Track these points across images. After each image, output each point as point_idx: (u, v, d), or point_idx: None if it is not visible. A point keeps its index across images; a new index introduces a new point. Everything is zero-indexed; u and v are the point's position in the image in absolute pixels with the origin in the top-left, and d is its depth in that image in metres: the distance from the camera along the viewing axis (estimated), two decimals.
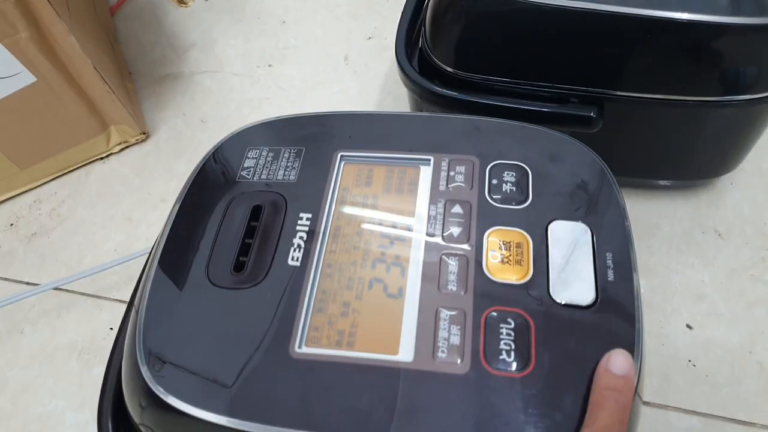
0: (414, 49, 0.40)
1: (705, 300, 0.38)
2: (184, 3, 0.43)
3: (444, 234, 0.25)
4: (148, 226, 0.46)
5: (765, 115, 0.36)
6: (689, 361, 0.36)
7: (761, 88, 0.34)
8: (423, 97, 0.38)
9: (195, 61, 0.55)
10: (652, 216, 0.41)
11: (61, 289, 0.43)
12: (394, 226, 0.26)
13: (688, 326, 0.37)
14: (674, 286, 0.39)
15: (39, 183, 0.49)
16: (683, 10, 0.31)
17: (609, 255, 0.24)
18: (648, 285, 0.39)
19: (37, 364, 0.40)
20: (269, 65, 0.54)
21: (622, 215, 0.26)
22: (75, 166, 0.49)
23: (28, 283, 0.44)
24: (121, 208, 0.47)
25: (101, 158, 0.50)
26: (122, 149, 0.50)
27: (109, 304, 0.43)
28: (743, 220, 0.41)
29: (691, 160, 0.39)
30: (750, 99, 0.34)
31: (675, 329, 0.37)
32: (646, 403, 0.35)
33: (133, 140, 0.50)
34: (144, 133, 0.50)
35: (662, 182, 0.42)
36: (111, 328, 0.41)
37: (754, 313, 0.37)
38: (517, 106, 0.36)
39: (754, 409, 0.34)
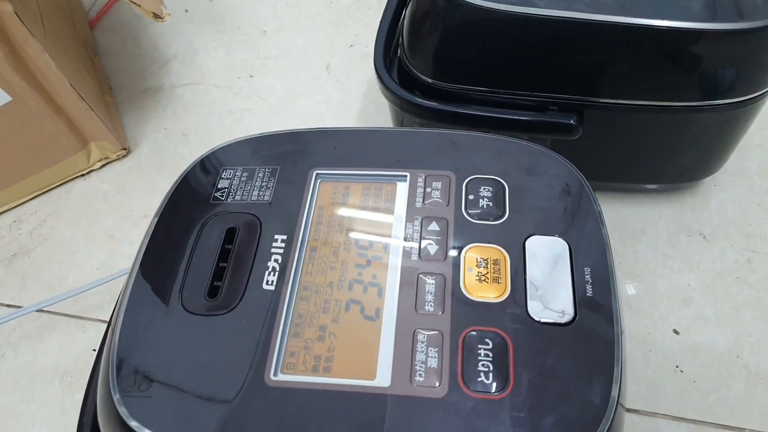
0: (393, 59, 0.40)
1: (691, 304, 0.38)
2: (160, 17, 0.43)
3: (421, 252, 0.25)
4: (131, 244, 0.45)
5: (745, 117, 0.36)
6: (677, 366, 0.36)
7: (740, 91, 0.34)
8: (403, 107, 0.38)
9: (176, 73, 0.55)
10: (638, 220, 0.41)
11: (43, 311, 0.43)
12: (370, 246, 0.26)
13: (675, 331, 0.37)
14: (660, 291, 0.38)
15: (19, 202, 0.48)
16: (659, 17, 0.31)
17: (587, 269, 0.24)
18: (634, 290, 0.38)
19: (20, 389, 0.40)
20: (251, 76, 0.54)
21: (599, 227, 0.25)
22: (55, 184, 0.49)
23: (9, 306, 0.44)
24: (103, 225, 0.47)
25: (82, 175, 0.49)
26: (103, 165, 0.49)
27: (92, 324, 0.42)
28: (728, 222, 0.41)
29: (673, 163, 0.39)
30: (730, 103, 0.34)
31: (662, 335, 0.37)
32: (635, 411, 0.34)
33: (114, 156, 0.49)
34: (125, 149, 0.49)
35: (648, 186, 0.42)
36: (94, 350, 0.41)
37: (740, 316, 0.37)
38: (497, 115, 0.36)
39: (742, 414, 0.34)
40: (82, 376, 0.40)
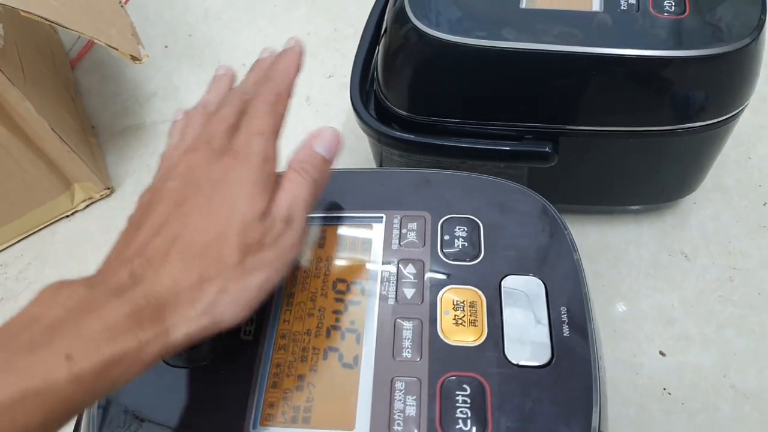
0: (370, 92, 0.40)
1: (676, 324, 0.38)
2: (138, 59, 0.43)
3: (398, 296, 0.25)
4: None
5: (720, 137, 0.37)
6: (664, 389, 0.36)
7: (713, 114, 0.34)
8: (381, 141, 0.38)
9: (157, 110, 0.55)
10: (620, 241, 0.41)
11: None
12: (347, 290, 0.26)
13: (661, 353, 0.37)
14: (645, 312, 0.39)
15: (4, 247, 0.48)
16: (627, 47, 0.31)
17: (563, 309, 0.24)
18: (619, 312, 0.39)
19: None
20: None
21: (574, 263, 0.26)
22: (40, 227, 0.49)
23: None
24: (89, 266, 0.46)
25: (66, 216, 0.49)
26: (87, 206, 0.49)
27: None
28: (708, 240, 0.41)
29: (651, 185, 0.39)
30: (703, 125, 0.35)
31: (648, 357, 0.37)
32: None
33: (98, 196, 0.49)
34: (108, 188, 0.49)
35: (631, 207, 0.42)
36: None
37: (724, 334, 0.37)
38: (473, 146, 0.36)
39: None
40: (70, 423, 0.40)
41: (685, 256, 0.40)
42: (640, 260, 0.40)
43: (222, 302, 0.21)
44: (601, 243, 0.42)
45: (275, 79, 0.26)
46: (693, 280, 0.39)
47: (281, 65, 0.27)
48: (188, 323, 0.20)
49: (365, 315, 0.25)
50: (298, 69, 0.27)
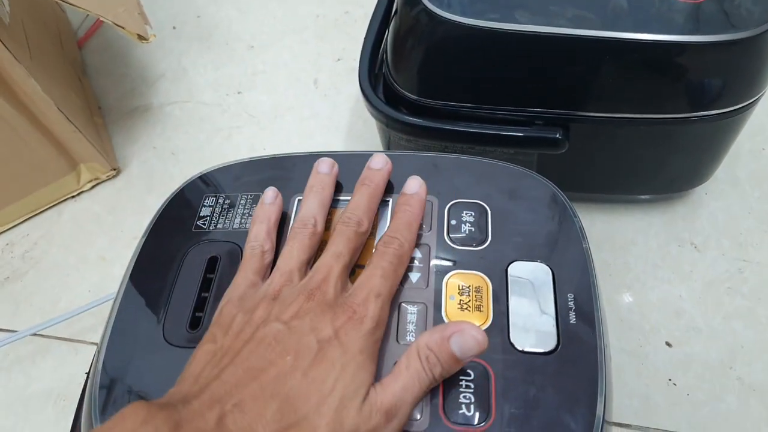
0: (379, 76, 0.40)
1: (683, 316, 0.37)
2: (145, 39, 0.43)
3: (403, 280, 0.25)
4: (123, 266, 0.44)
5: (734, 126, 0.36)
6: (669, 379, 0.35)
7: (728, 102, 0.34)
8: (389, 125, 0.38)
9: (165, 91, 0.55)
10: (628, 231, 0.41)
11: (36, 335, 0.43)
12: (352, 273, 0.25)
13: (668, 344, 0.37)
14: (652, 303, 0.38)
15: (10, 226, 0.48)
16: (642, 31, 0.31)
17: (570, 296, 0.24)
18: (626, 303, 0.38)
19: (13, 414, 0.40)
20: (239, 92, 0.54)
21: (582, 251, 0.25)
22: (46, 207, 0.49)
23: (2, 330, 0.44)
24: (95, 247, 0.47)
25: (72, 197, 0.49)
26: (93, 186, 0.49)
27: (84, 347, 0.42)
28: (719, 231, 0.40)
29: (663, 174, 0.39)
30: (717, 113, 0.34)
31: (654, 348, 0.37)
32: (627, 426, 0.34)
33: (104, 177, 0.49)
34: (115, 169, 0.49)
35: (641, 196, 0.42)
36: (86, 373, 0.41)
37: (732, 326, 0.37)
38: (483, 131, 0.36)
39: (735, 427, 0.34)
40: (74, 399, 0.40)
41: (695, 247, 0.40)
42: (648, 250, 0.40)
43: None
44: (608, 232, 0.41)
45: (400, 238, 0.24)
46: (702, 272, 0.39)
47: (408, 218, 0.25)
48: None
49: None
50: (421, 217, 0.25)
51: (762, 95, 0.34)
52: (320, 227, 0.26)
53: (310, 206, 0.26)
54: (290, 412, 0.19)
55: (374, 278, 0.23)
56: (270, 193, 0.27)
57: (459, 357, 0.21)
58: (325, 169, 0.27)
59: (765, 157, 0.43)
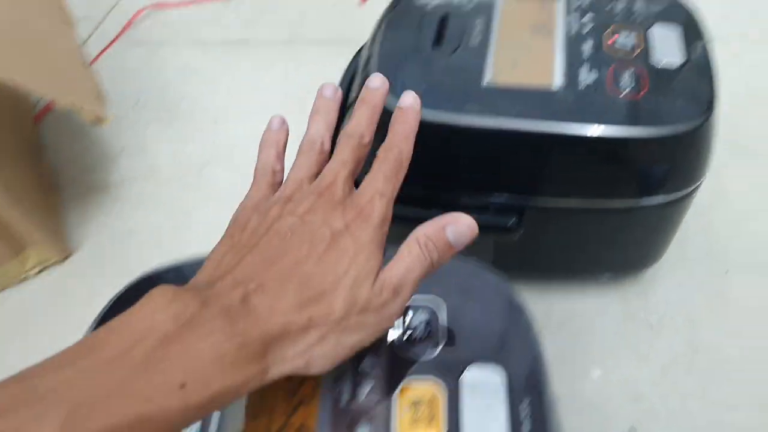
0: None
1: (644, 399, 0.37)
2: (101, 121, 0.42)
3: (356, 393, 0.24)
4: None
5: (680, 210, 0.37)
6: None
7: (673, 189, 0.35)
8: None
9: (125, 167, 0.54)
10: (588, 311, 0.41)
11: None
12: (301, 383, 0.25)
13: (633, 430, 0.36)
14: (613, 386, 0.38)
15: None
16: (586, 125, 0.32)
17: (526, 401, 0.23)
18: (588, 387, 0.38)
19: None
20: (201, 169, 0.53)
21: (536, 350, 0.25)
22: None
23: None
24: (39, 340, 0.44)
25: (16, 283, 0.47)
26: (39, 272, 0.47)
27: None
28: (673, 310, 0.41)
29: (615, 257, 0.40)
30: (663, 202, 0.35)
31: None
32: None
33: (52, 261, 0.47)
34: (65, 252, 0.47)
35: (598, 277, 0.42)
36: None
37: (687, 407, 0.37)
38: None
39: None
40: None
41: (651, 327, 0.40)
42: (607, 331, 0.40)
43: (317, 352, 0.21)
44: (568, 312, 0.41)
45: (399, 146, 0.26)
46: (658, 352, 0.39)
47: (405, 130, 0.27)
48: (284, 364, 0.20)
49: (317, 414, 0.24)
50: (416, 129, 0.28)
51: (702, 181, 0.36)
52: (327, 146, 0.27)
53: (317, 127, 0.28)
54: (309, 290, 0.21)
55: (377, 181, 0.25)
56: (276, 120, 0.30)
57: (452, 243, 0.24)
58: (329, 94, 0.29)
59: (713, 233, 0.44)
